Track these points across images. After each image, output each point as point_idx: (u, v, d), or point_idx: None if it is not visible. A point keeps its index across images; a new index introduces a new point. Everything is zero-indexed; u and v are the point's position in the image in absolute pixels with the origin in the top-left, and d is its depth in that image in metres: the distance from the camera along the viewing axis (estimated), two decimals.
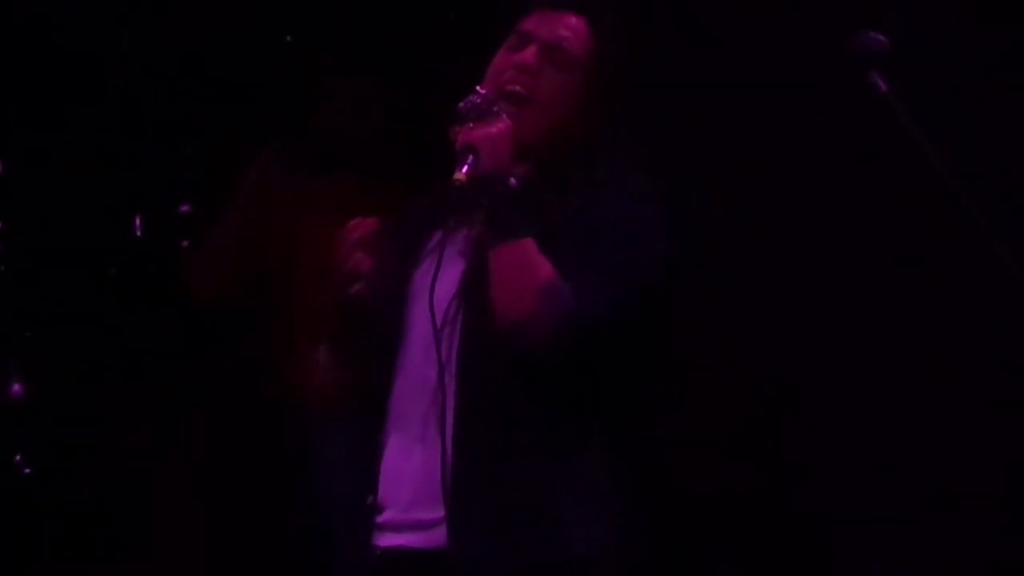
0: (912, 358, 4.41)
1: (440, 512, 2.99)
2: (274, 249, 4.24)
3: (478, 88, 3.00)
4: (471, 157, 2.91)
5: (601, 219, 3.06)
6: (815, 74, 3.82)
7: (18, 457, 4.83)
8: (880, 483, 4.43)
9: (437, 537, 2.99)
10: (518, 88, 3.03)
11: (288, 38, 4.71)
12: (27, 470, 4.83)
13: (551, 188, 3.08)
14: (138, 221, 4.90)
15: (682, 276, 3.22)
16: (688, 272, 3.28)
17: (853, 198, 4.39)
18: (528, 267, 2.97)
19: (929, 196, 2.78)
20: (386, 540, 3.09)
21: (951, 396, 4.34)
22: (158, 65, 4.92)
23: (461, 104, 2.97)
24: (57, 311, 4.90)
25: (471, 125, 2.96)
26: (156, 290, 4.74)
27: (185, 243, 4.77)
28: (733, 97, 4.51)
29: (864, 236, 4.42)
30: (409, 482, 3.06)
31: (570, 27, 3.13)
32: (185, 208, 4.85)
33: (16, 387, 4.87)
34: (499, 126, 2.95)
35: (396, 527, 3.07)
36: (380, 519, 3.10)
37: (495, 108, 2.98)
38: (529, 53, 3.08)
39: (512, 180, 2.96)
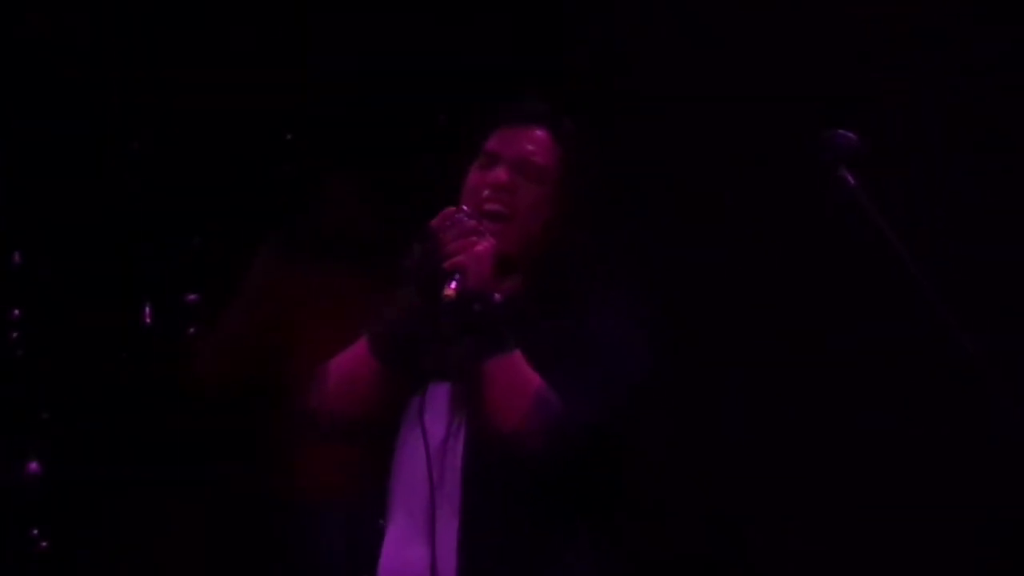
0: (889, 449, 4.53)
1: None
2: (277, 339, 4.28)
3: (463, 207, 3.05)
4: (458, 275, 2.96)
5: (587, 333, 3.11)
6: (790, 171, 3.84)
7: (35, 531, 4.89)
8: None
9: None
10: (498, 207, 3.08)
11: (289, 137, 4.80)
12: (43, 543, 4.89)
13: (536, 302, 3.14)
14: (147, 309, 5.00)
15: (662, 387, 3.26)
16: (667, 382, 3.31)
17: (829, 295, 4.47)
18: (519, 379, 3.03)
19: (896, 283, 2.88)
20: None
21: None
22: (166, 164, 4.99)
23: (439, 218, 3.02)
24: (71, 394, 4.97)
25: (463, 240, 3.01)
26: (164, 376, 4.77)
27: (192, 330, 4.84)
28: (710, 201, 4.63)
29: (840, 331, 4.51)
30: (413, 572, 3.10)
31: (535, 140, 3.19)
32: (192, 297, 4.91)
33: (33, 465, 4.92)
34: (483, 244, 2.99)
35: None
36: None
37: (478, 227, 3.02)
38: (501, 172, 3.13)
39: (497, 296, 3.01)
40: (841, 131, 2.97)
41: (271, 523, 4.45)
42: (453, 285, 2.93)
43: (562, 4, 5.03)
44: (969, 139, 4.56)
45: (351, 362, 3.21)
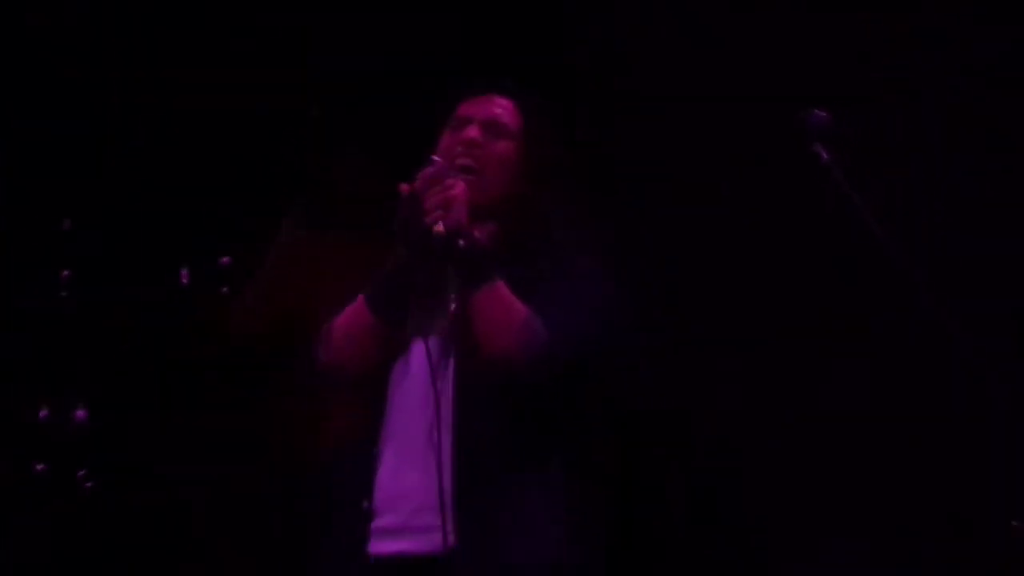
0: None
1: (437, 520, 3.21)
2: (297, 296, 4.41)
3: (434, 158, 3.30)
4: (443, 213, 3.20)
5: (564, 269, 3.35)
6: (770, 144, 3.98)
7: (81, 472, 5.05)
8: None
9: (433, 542, 3.22)
10: (468, 161, 3.36)
11: (313, 112, 4.87)
12: (88, 484, 5.05)
13: (509, 246, 3.37)
14: (184, 272, 5.14)
15: (629, 326, 3.46)
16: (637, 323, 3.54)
17: (799, 251, 4.60)
18: (505, 305, 3.25)
19: (861, 245, 3.09)
20: (381, 546, 3.31)
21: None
22: (206, 146, 5.11)
23: (422, 170, 3.26)
24: (116, 348, 5.11)
25: (439, 188, 3.24)
26: (199, 330, 4.95)
27: (224, 290, 4.98)
28: (698, 165, 4.74)
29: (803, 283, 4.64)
30: (409, 493, 3.28)
31: (501, 105, 3.49)
32: (224, 261, 5.04)
33: (81, 412, 5.08)
34: (458, 189, 3.24)
35: (393, 533, 3.30)
36: (376, 524, 3.31)
37: (451, 176, 3.27)
38: (472, 130, 3.42)
39: (477, 233, 3.25)
40: (816, 111, 3.16)
41: (288, 464, 4.57)
42: (440, 225, 3.18)
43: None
44: (959, 135, 4.58)
45: (351, 319, 3.41)
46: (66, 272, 5.12)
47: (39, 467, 5.05)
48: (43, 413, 5.09)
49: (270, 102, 5.03)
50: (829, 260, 4.46)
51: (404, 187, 3.22)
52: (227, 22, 5.13)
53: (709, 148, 4.73)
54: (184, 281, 5.16)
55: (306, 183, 4.79)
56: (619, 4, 4.95)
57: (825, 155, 3.13)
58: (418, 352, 3.33)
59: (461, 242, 3.21)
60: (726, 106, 4.71)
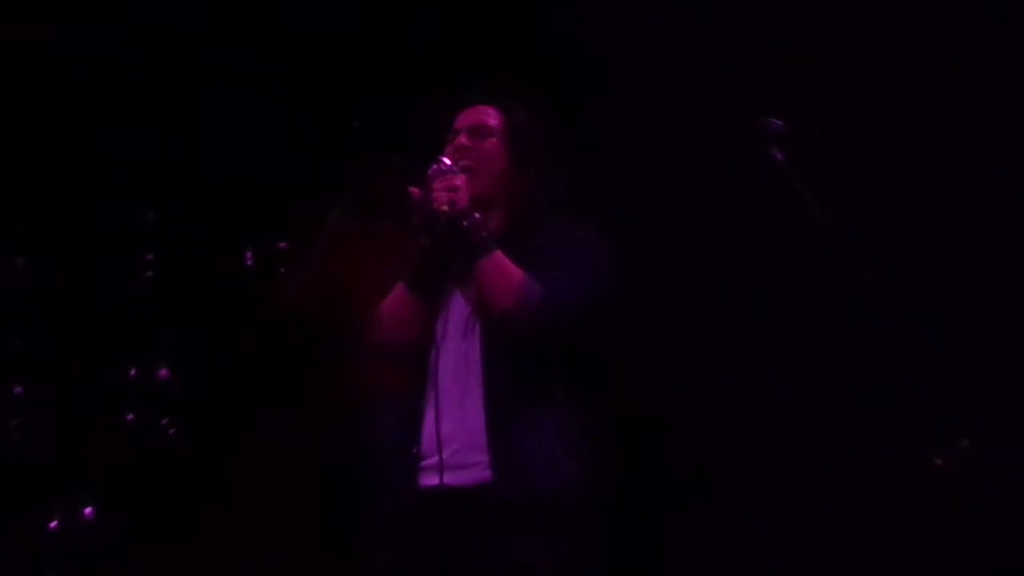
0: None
1: (474, 457, 3.45)
2: (344, 273, 4.61)
3: (442, 159, 3.55)
4: (448, 200, 3.46)
5: (558, 239, 3.57)
6: (733, 148, 4.03)
7: (164, 421, 5.33)
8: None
9: (474, 475, 3.44)
10: (465, 163, 3.59)
11: (355, 124, 5.21)
12: (171, 431, 5.34)
13: (512, 228, 3.59)
14: (249, 254, 5.39)
15: (619, 282, 3.60)
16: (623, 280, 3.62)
17: (755, 239, 4.70)
18: (504, 271, 3.47)
19: (813, 236, 3.25)
20: (429, 480, 3.50)
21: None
22: (270, 146, 5.37)
23: (431, 169, 3.54)
24: (195, 315, 5.42)
25: (444, 180, 3.49)
26: (262, 304, 5.16)
27: (282, 270, 5.22)
28: (663, 165, 4.87)
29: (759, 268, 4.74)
30: (450, 437, 3.48)
31: (484, 111, 3.71)
32: (282, 245, 5.30)
33: (164, 371, 5.36)
34: (459, 180, 3.50)
35: (438, 470, 3.48)
36: (424, 464, 3.52)
37: (454, 172, 3.52)
38: (462, 138, 3.65)
39: (476, 215, 3.51)
40: (772, 120, 3.36)
41: (343, 420, 4.73)
42: (446, 208, 3.45)
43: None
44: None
45: (396, 301, 3.64)
46: (150, 256, 5.39)
47: (129, 417, 5.31)
48: (132, 372, 5.35)
49: (318, 114, 5.29)
50: (785, 244, 4.45)
51: (414, 190, 3.51)
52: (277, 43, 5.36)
53: (684, 152, 4.84)
54: (249, 262, 5.37)
55: (351, 180, 4.95)
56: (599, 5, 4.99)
57: (780, 156, 3.34)
58: (451, 320, 3.56)
59: (465, 223, 3.46)
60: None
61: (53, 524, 5.20)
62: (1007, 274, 4.45)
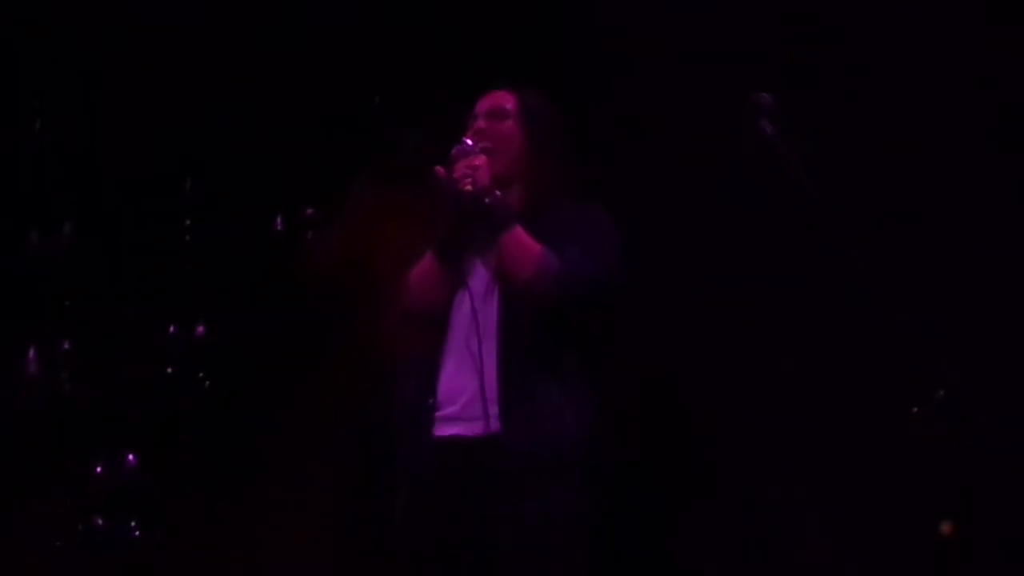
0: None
1: (489, 410, 3.56)
2: (368, 240, 4.54)
3: (465, 139, 3.69)
4: (470, 179, 3.58)
5: (573, 217, 3.68)
6: (724, 121, 3.92)
7: (201, 374, 5.49)
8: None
9: (484, 427, 3.57)
10: (484, 145, 3.71)
11: (377, 100, 5.31)
12: (207, 383, 5.49)
13: (531, 206, 3.70)
14: (279, 220, 5.50)
15: (629, 259, 3.67)
16: (633, 259, 3.67)
17: (747, 210, 4.73)
18: (523, 244, 3.58)
19: (800, 204, 3.30)
20: (443, 430, 3.62)
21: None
22: (301, 124, 5.44)
23: (454, 150, 3.67)
24: (229, 279, 5.52)
25: (466, 160, 3.62)
26: (290, 267, 5.28)
27: (309, 235, 5.36)
28: (664, 141, 4.93)
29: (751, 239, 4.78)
30: (463, 390, 3.61)
31: (500, 96, 3.84)
32: (310, 212, 5.41)
33: (200, 328, 5.52)
34: (480, 160, 3.63)
35: (452, 420, 3.60)
36: (439, 415, 3.64)
37: (475, 152, 3.64)
38: (480, 123, 3.77)
39: (497, 192, 3.63)
40: (762, 94, 3.40)
41: (365, 375, 4.65)
42: (468, 183, 3.58)
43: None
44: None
45: (424, 271, 3.75)
46: (189, 221, 5.53)
47: (169, 370, 5.47)
48: (172, 329, 5.49)
49: (345, 93, 5.34)
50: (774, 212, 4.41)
51: (439, 169, 3.62)
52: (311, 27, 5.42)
53: (683, 128, 4.87)
54: (279, 227, 5.48)
55: (376, 151, 5.07)
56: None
57: (769, 129, 3.37)
58: (472, 287, 3.70)
59: (486, 200, 3.59)
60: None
61: (98, 469, 5.41)
62: (994, 243, 4.53)
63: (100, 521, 5.32)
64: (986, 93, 4.53)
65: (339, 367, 5.04)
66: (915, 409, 3.32)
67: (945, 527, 3.57)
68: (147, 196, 5.52)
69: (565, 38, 5.11)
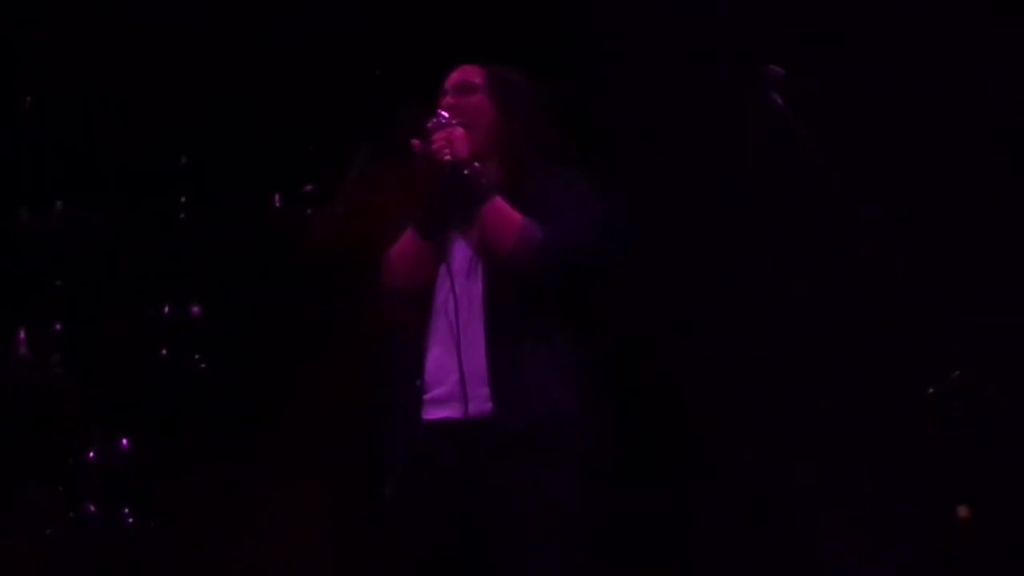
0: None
1: (476, 390, 3.55)
2: (368, 215, 4.48)
3: (441, 112, 3.69)
4: (448, 150, 3.58)
5: (553, 186, 3.68)
6: (736, 92, 3.89)
7: (196, 356, 5.47)
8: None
9: (476, 407, 3.55)
10: (460, 119, 3.71)
11: (378, 74, 5.15)
12: (203, 365, 5.48)
13: (511, 177, 3.70)
14: (277, 196, 5.50)
15: (619, 221, 3.69)
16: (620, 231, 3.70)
17: (754, 180, 4.74)
18: (505, 215, 3.59)
19: (805, 176, 3.33)
20: (432, 413, 3.61)
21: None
22: (300, 100, 5.42)
23: (430, 123, 3.67)
24: (225, 256, 5.52)
25: (443, 132, 3.62)
26: (289, 243, 5.29)
27: (309, 211, 5.35)
28: (673, 109, 4.93)
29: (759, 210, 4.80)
30: (452, 371, 3.59)
31: (468, 71, 3.84)
32: (308, 188, 5.41)
33: (195, 308, 5.50)
34: (457, 131, 3.64)
35: (441, 402, 3.60)
36: (427, 397, 3.63)
37: (453, 123, 3.64)
38: (449, 98, 3.77)
39: (476, 164, 3.64)
40: (772, 66, 3.42)
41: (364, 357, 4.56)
42: (448, 155, 3.59)
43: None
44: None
45: (405, 245, 3.74)
46: (183, 198, 5.51)
47: (163, 351, 5.45)
48: (166, 309, 5.47)
49: (343, 70, 5.33)
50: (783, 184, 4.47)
51: (416, 142, 3.64)
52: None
53: (687, 94, 4.87)
54: (277, 204, 5.48)
55: (374, 127, 4.86)
56: None
57: (779, 101, 3.39)
58: (455, 263, 3.68)
59: (465, 171, 3.60)
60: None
61: (91, 454, 5.35)
62: (1003, 218, 4.53)
63: (92, 508, 5.29)
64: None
65: (339, 348, 5.11)
66: (930, 390, 3.34)
67: (962, 510, 3.55)
68: (140, 173, 5.52)
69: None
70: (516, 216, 3.56)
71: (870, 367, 4.56)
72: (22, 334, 5.36)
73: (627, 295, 4.60)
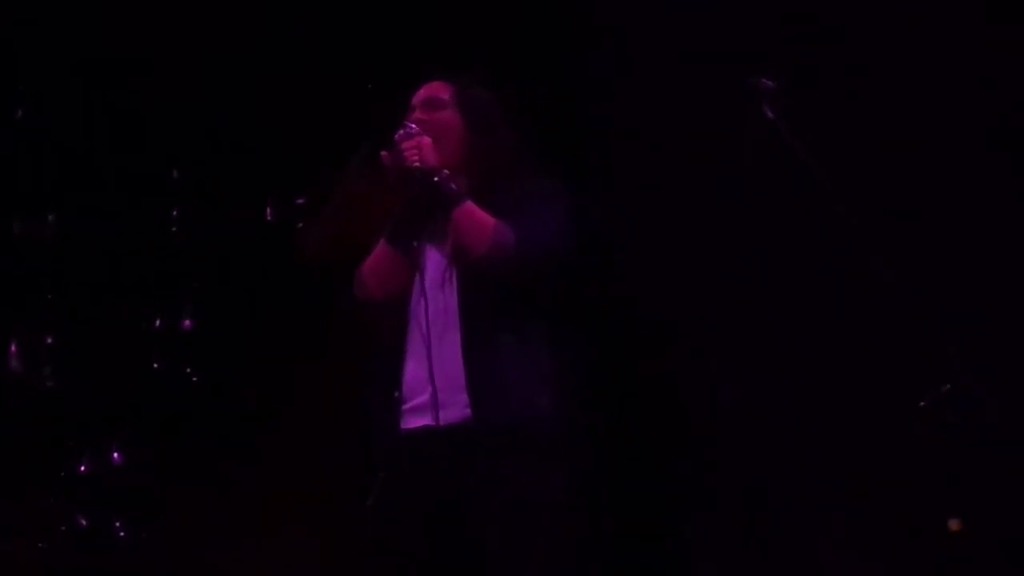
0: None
1: (453, 398, 3.57)
2: (357, 225, 4.19)
3: (409, 124, 3.73)
4: (418, 158, 3.63)
5: (523, 193, 3.70)
6: (728, 105, 3.79)
7: (188, 369, 5.51)
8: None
9: (455, 414, 3.57)
10: (429, 133, 3.74)
11: (369, 87, 5.27)
12: (194, 378, 5.52)
13: (481, 189, 3.72)
14: (269, 209, 5.52)
15: (583, 226, 3.73)
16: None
17: (746, 193, 4.74)
18: (476, 218, 3.61)
19: (800, 186, 3.32)
20: (411, 422, 3.62)
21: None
22: (293, 113, 5.43)
23: (398, 134, 3.71)
24: (218, 269, 5.56)
25: (411, 141, 3.66)
26: (281, 253, 5.11)
27: (300, 224, 5.28)
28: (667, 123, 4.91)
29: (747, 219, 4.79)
30: (429, 380, 3.62)
31: (435, 87, 3.88)
32: (300, 200, 5.40)
33: (187, 322, 5.54)
34: (424, 140, 3.68)
35: (419, 411, 3.61)
36: (405, 407, 3.65)
37: (420, 133, 3.68)
38: (418, 113, 3.81)
39: (445, 171, 3.66)
40: (763, 79, 3.42)
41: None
42: (417, 162, 3.64)
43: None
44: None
45: (378, 256, 3.78)
46: (175, 211, 5.55)
47: (155, 365, 5.50)
48: (158, 323, 5.52)
49: (332, 85, 5.38)
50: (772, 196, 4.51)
51: (384, 154, 3.69)
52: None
53: (677, 108, 4.85)
54: (269, 216, 5.50)
55: (363, 143, 4.57)
56: None
57: (770, 114, 3.39)
58: (428, 274, 3.71)
59: (435, 178, 3.64)
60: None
61: (82, 468, 5.40)
62: (997, 224, 4.53)
63: (84, 521, 5.32)
64: (986, 93, 4.53)
65: (332, 358, 5.10)
66: (922, 403, 3.34)
67: (953, 523, 3.56)
68: (133, 186, 5.56)
69: (566, 38, 5.16)
70: (488, 219, 3.60)
71: (869, 368, 4.57)
72: (13, 347, 5.40)
73: (626, 295, 4.72)
